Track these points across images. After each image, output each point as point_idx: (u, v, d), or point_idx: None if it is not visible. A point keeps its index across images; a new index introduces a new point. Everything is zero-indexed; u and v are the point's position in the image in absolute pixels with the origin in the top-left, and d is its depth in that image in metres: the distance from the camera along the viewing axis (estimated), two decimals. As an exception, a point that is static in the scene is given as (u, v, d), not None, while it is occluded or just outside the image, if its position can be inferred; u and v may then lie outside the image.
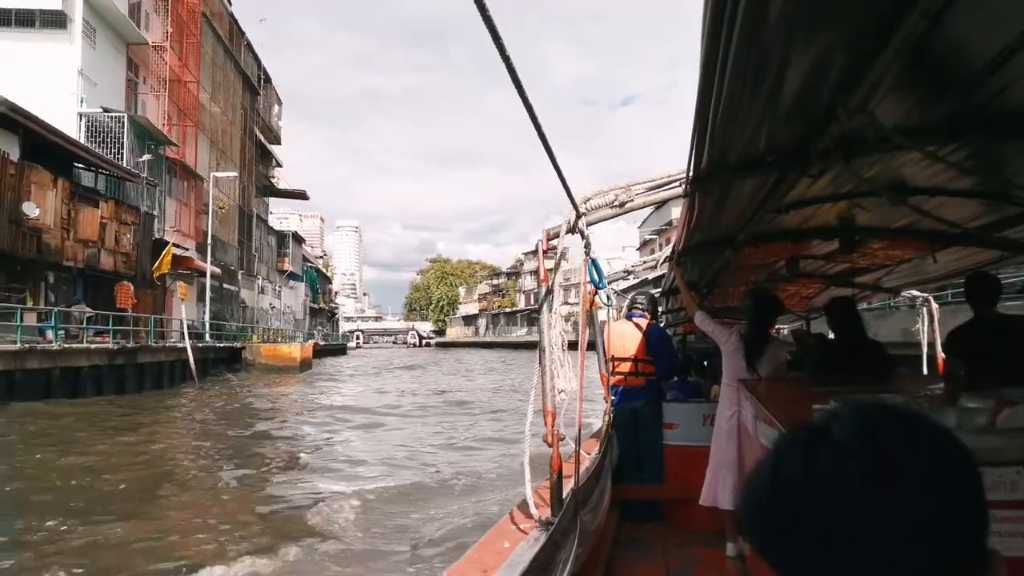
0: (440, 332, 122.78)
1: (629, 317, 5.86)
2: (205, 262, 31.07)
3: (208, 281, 30.94)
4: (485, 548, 2.40)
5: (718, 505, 4.29)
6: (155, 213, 26.85)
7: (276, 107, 52.65)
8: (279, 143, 54.00)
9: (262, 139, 47.33)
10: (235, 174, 36.59)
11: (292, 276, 55.87)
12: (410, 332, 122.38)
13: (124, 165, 24.30)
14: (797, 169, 2.37)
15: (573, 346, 3.04)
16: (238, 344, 32.69)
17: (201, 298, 31.68)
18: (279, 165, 54.16)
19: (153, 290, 26.34)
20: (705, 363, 8.85)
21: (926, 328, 6.83)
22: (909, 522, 0.56)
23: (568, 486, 2.97)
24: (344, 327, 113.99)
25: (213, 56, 35.41)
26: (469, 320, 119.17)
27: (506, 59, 1.33)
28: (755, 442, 3.50)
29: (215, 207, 33.97)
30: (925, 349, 6.89)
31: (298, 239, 59.39)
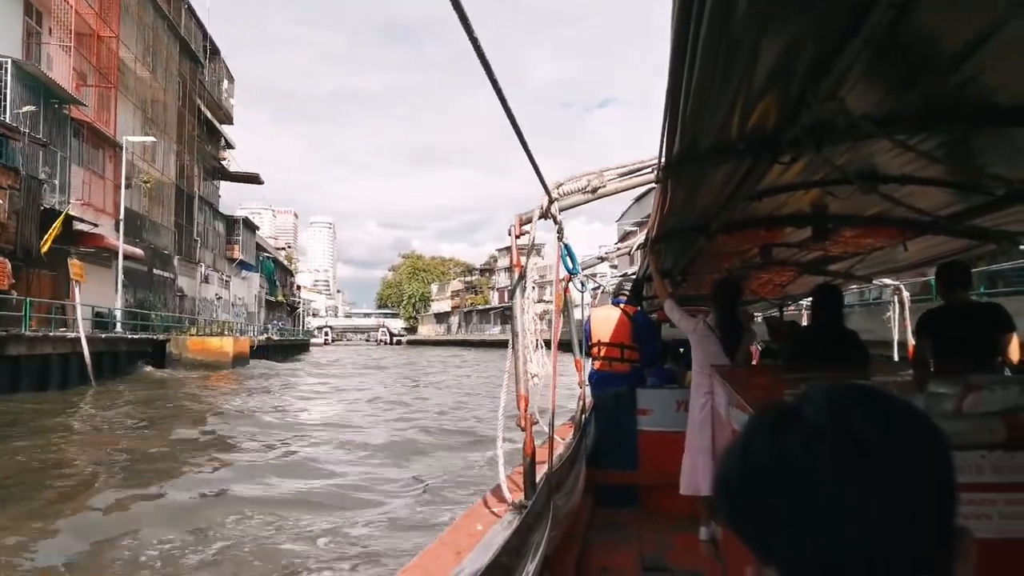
0: (411, 329, 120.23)
1: (616, 303, 5.90)
2: (126, 243, 26.61)
3: (120, 262, 25.77)
4: (459, 531, 2.42)
5: (700, 493, 4.33)
6: (54, 181, 22.27)
7: (226, 83, 47.34)
8: (231, 123, 49.01)
9: (209, 115, 42.24)
10: (153, 139, 30.17)
11: (244, 266, 50.54)
12: (380, 329, 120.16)
13: (7, 121, 19.66)
14: (769, 156, 2.38)
15: (549, 345, 3.05)
16: (160, 336, 27.59)
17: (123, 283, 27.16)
18: (230, 146, 49.02)
19: (52, 271, 21.80)
20: (681, 350, 8.90)
21: (897, 316, 6.92)
22: (881, 504, 0.56)
23: (542, 470, 2.99)
24: (313, 323, 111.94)
25: (140, 13, 30.45)
26: (441, 317, 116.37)
27: (474, 40, 1.32)
28: (728, 428, 3.54)
29: (139, 181, 29.77)
30: (896, 336, 6.99)
31: (250, 226, 52.99)
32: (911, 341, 6.19)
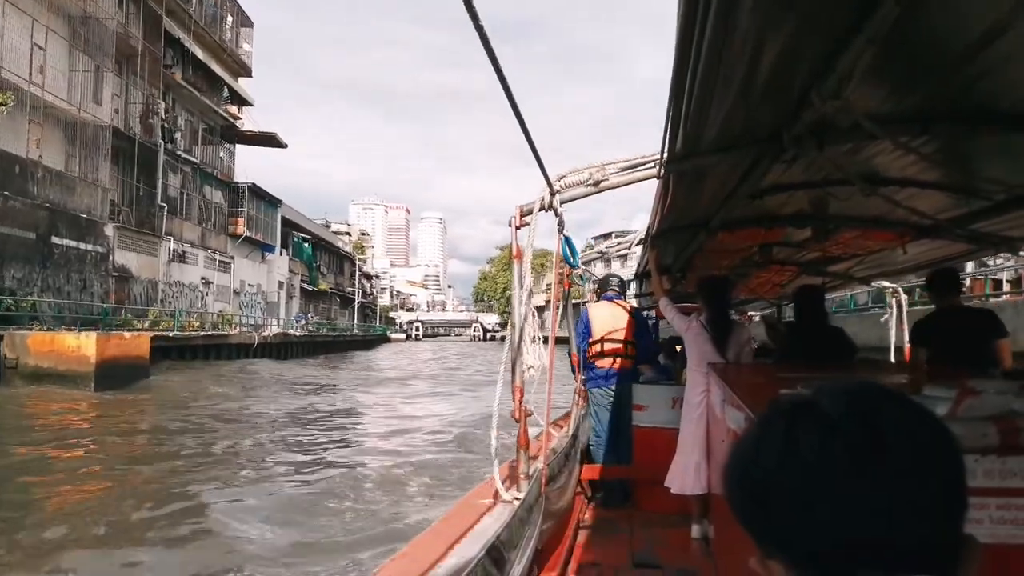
0: (506, 325, 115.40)
1: (607, 299, 5.88)
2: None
3: None
4: (450, 522, 2.41)
5: (685, 492, 4.32)
6: None
7: (230, 20, 37.41)
8: (247, 75, 40.00)
9: (201, 57, 33.58)
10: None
11: (262, 246, 41.13)
12: (474, 324, 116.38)
13: None
14: (771, 154, 2.37)
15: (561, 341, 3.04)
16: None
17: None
18: (245, 102, 40.33)
19: None
20: (677, 347, 8.87)
21: (894, 319, 6.93)
22: (892, 495, 0.57)
23: (536, 464, 2.99)
24: (404, 318, 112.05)
25: None
26: (536, 312, 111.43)
27: (479, 28, 1.32)
28: (723, 426, 3.53)
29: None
30: (893, 339, 6.99)
31: (265, 197, 41.24)
32: (907, 345, 6.21)
